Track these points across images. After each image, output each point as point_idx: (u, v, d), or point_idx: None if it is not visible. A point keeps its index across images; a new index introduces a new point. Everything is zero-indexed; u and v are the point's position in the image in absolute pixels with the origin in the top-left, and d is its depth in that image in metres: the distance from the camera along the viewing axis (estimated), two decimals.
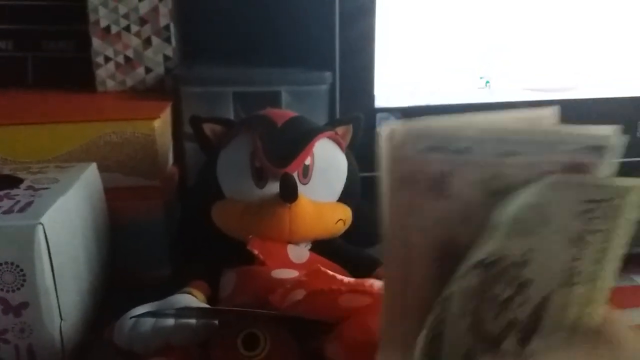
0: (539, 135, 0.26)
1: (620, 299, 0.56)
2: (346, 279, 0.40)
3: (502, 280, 0.28)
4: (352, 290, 0.38)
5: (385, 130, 0.26)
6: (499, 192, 0.26)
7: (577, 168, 0.27)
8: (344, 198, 0.49)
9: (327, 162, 0.49)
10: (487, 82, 0.66)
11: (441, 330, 0.28)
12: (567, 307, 0.29)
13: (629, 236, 0.28)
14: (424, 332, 0.28)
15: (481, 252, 0.26)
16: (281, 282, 0.41)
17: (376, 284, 0.39)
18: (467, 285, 0.27)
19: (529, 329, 0.30)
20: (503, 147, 0.26)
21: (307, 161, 0.47)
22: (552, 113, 0.30)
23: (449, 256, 0.27)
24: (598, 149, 0.27)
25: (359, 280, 0.40)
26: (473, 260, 0.26)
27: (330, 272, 0.41)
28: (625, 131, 0.76)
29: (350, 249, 0.51)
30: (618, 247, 0.28)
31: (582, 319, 0.30)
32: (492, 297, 0.28)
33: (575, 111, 0.67)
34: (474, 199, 0.26)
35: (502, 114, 0.28)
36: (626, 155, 0.76)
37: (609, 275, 0.29)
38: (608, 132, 0.26)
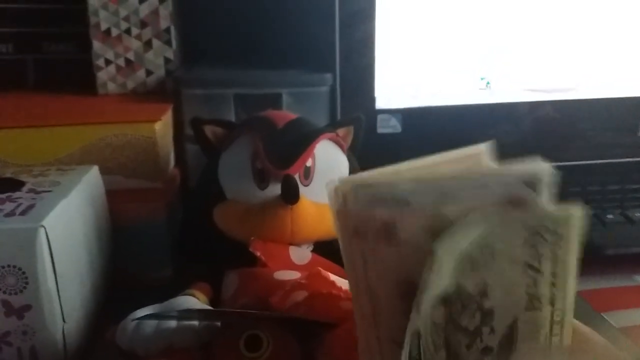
0: (474, 179, 0.27)
1: (622, 299, 0.56)
2: (345, 287, 0.40)
3: (466, 312, 0.29)
4: (350, 298, 0.38)
5: (330, 187, 0.28)
6: (444, 233, 0.27)
7: (516, 203, 0.28)
8: None
9: (329, 164, 0.49)
10: (488, 83, 0.66)
11: None
12: (535, 330, 0.30)
13: (577, 259, 0.29)
14: None
15: (432, 296, 0.27)
16: (283, 283, 0.41)
17: None
18: (433, 318, 0.28)
19: (503, 355, 0.30)
20: (440, 194, 0.27)
21: (309, 163, 0.47)
22: (486, 150, 0.31)
23: (411, 294, 0.28)
24: (533, 185, 0.28)
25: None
26: (426, 304, 0.27)
27: (331, 277, 0.41)
28: (626, 131, 0.77)
29: None
30: (569, 270, 0.29)
31: (553, 339, 0.30)
32: (461, 328, 0.29)
33: (576, 112, 0.68)
34: (421, 243, 0.27)
35: (438, 158, 0.30)
36: (628, 156, 0.76)
37: (567, 295, 0.30)
38: (541, 168, 0.28)
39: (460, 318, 0.29)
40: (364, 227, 0.27)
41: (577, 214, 0.28)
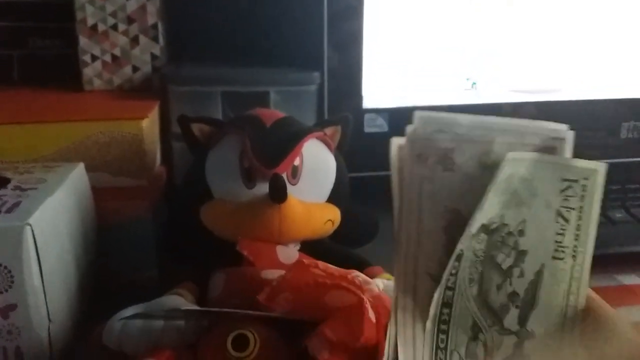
0: (516, 124, 0.33)
1: (603, 298, 0.57)
2: (329, 267, 0.40)
3: (503, 249, 0.33)
4: (337, 285, 0.38)
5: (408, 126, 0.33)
6: (491, 166, 0.32)
7: (547, 150, 0.33)
8: (332, 199, 0.49)
9: (316, 163, 0.49)
10: (474, 83, 0.67)
11: (452, 297, 0.33)
12: (556, 284, 0.34)
13: (597, 216, 0.34)
14: (436, 296, 0.32)
15: (483, 217, 0.32)
16: (270, 281, 0.42)
17: (359, 276, 0.40)
18: (474, 247, 0.33)
19: (527, 305, 0.34)
20: (490, 130, 0.32)
21: (297, 162, 0.47)
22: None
23: (455, 226, 0.33)
24: (558, 140, 0.33)
25: (342, 272, 0.40)
26: (477, 224, 0.32)
27: (313, 262, 0.41)
28: (609, 133, 0.78)
29: (338, 250, 0.51)
30: (591, 226, 0.34)
31: (570, 297, 0.35)
32: (496, 265, 0.34)
33: (560, 113, 0.68)
34: (472, 172, 0.32)
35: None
36: (611, 157, 0.78)
37: (587, 252, 0.35)
38: (563, 127, 0.33)
39: (497, 254, 0.33)
40: (427, 153, 0.32)
41: (601, 168, 0.33)
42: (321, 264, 0.41)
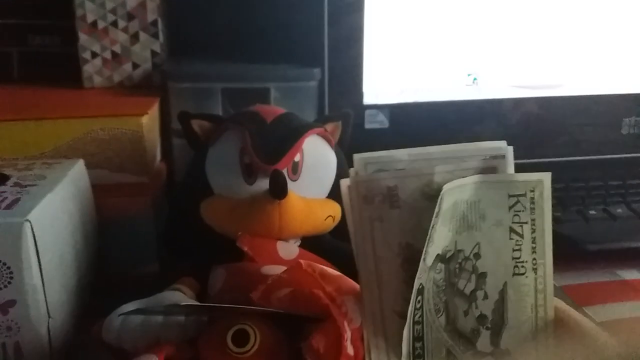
0: (455, 150, 0.34)
1: (604, 293, 0.57)
2: (326, 277, 0.40)
3: (462, 274, 0.34)
4: (326, 305, 0.38)
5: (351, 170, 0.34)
6: (435, 196, 0.32)
7: (489, 170, 0.34)
8: (333, 194, 0.49)
9: (317, 159, 0.49)
10: (475, 79, 0.67)
11: (422, 330, 0.33)
12: (522, 299, 0.35)
13: (550, 225, 0.35)
14: (405, 332, 0.32)
15: (436, 249, 0.32)
16: (265, 278, 0.41)
17: (348, 304, 0.38)
18: (434, 278, 0.33)
19: (497, 324, 0.35)
20: (430, 162, 0.33)
21: (297, 158, 0.47)
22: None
23: (411, 261, 0.33)
24: (498, 158, 0.34)
25: (336, 288, 0.39)
26: (430, 256, 0.32)
27: (311, 268, 0.40)
28: (610, 128, 0.78)
29: (339, 245, 0.51)
30: (546, 236, 0.35)
31: (538, 310, 0.35)
32: (458, 292, 0.34)
33: (562, 108, 0.68)
34: (418, 205, 0.33)
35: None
36: (610, 152, 0.77)
37: (547, 263, 0.35)
38: (502, 144, 0.34)
39: (458, 280, 0.34)
40: (371, 193, 0.33)
41: (546, 178, 0.34)
42: (319, 270, 0.40)
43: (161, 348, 0.38)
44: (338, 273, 0.42)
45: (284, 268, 0.42)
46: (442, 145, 0.34)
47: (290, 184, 0.46)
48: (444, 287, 0.33)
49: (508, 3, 0.64)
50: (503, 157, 0.34)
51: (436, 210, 0.31)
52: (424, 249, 0.31)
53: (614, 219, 0.64)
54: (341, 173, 0.50)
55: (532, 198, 0.34)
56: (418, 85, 0.65)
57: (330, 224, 0.50)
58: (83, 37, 0.64)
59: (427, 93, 0.66)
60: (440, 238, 0.32)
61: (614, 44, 0.68)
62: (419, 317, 0.33)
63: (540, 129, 0.69)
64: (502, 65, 0.66)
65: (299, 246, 0.48)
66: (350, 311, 0.38)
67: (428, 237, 0.31)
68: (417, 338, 0.33)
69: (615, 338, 0.33)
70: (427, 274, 0.32)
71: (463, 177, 0.33)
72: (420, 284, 0.32)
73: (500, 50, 0.66)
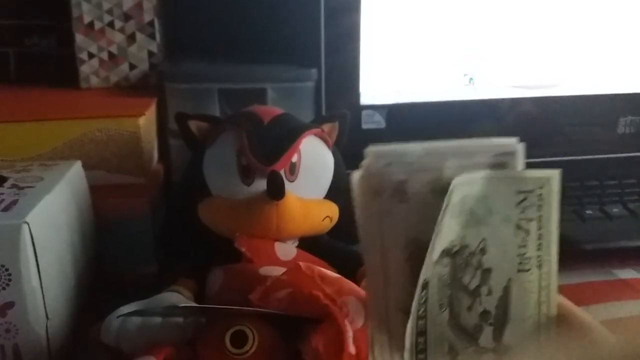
0: (465, 146, 0.34)
1: (600, 293, 0.57)
2: (326, 279, 0.40)
3: (468, 270, 0.34)
4: (326, 306, 0.38)
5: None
6: (443, 191, 0.32)
7: (499, 166, 0.34)
8: (330, 195, 0.50)
9: (314, 160, 0.49)
10: (471, 79, 0.67)
11: (425, 325, 0.33)
12: (526, 295, 0.35)
13: (558, 223, 0.34)
14: (409, 327, 0.32)
15: (442, 243, 0.32)
16: (265, 279, 0.42)
17: (350, 304, 0.39)
18: (439, 273, 0.33)
19: (500, 321, 0.35)
20: (440, 157, 0.33)
21: (294, 158, 0.47)
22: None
23: (417, 257, 0.32)
24: (508, 154, 0.34)
25: (337, 289, 0.39)
26: (437, 250, 0.32)
27: (310, 269, 0.41)
28: (606, 128, 0.78)
29: (337, 246, 0.51)
30: (552, 233, 0.34)
31: (541, 307, 0.35)
32: (463, 287, 0.34)
33: (558, 108, 0.69)
34: (426, 200, 0.33)
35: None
36: (607, 152, 0.77)
37: (552, 260, 0.35)
38: (512, 141, 0.34)
39: (463, 275, 0.33)
40: (381, 187, 0.32)
41: (555, 175, 0.34)
42: (317, 272, 0.40)
43: (160, 349, 0.38)
44: (337, 275, 0.42)
45: (282, 269, 0.42)
46: (453, 141, 0.33)
47: (288, 185, 0.46)
48: (448, 282, 0.33)
49: (504, 3, 0.64)
50: (513, 153, 0.34)
51: (445, 203, 0.31)
52: (431, 243, 0.32)
53: (610, 219, 0.64)
54: (338, 173, 0.51)
55: (540, 195, 0.34)
56: (414, 85, 0.65)
57: (328, 225, 0.50)
58: (80, 38, 0.64)
59: (423, 93, 0.66)
60: (447, 232, 0.33)
61: (609, 43, 0.68)
62: (423, 312, 0.33)
63: (536, 129, 0.69)
64: (498, 65, 0.67)
65: (297, 247, 0.48)
66: (352, 312, 0.38)
67: (435, 230, 0.31)
68: (420, 333, 0.33)
69: (619, 337, 0.33)
70: (432, 269, 0.32)
71: (472, 172, 0.33)
72: (425, 279, 0.32)
73: (496, 50, 0.66)
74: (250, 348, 0.37)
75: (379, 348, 0.34)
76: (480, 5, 0.64)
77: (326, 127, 0.52)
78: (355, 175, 0.33)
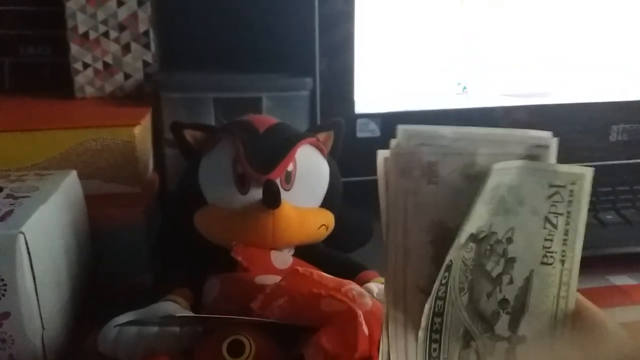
0: (500, 134, 0.34)
1: (594, 299, 0.57)
2: (324, 278, 0.40)
3: (492, 257, 0.34)
4: (331, 296, 0.38)
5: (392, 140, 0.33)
6: (475, 177, 0.32)
7: (531, 158, 0.33)
8: (326, 203, 0.50)
9: (309, 168, 0.49)
10: (464, 87, 0.67)
11: (443, 306, 0.33)
12: (546, 289, 0.35)
13: (585, 220, 0.35)
14: (427, 306, 0.32)
15: (471, 227, 0.32)
16: (263, 288, 0.42)
17: (354, 289, 0.40)
18: (463, 256, 0.33)
19: (517, 311, 0.35)
20: (473, 143, 0.33)
21: (290, 167, 0.47)
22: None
23: (441, 239, 0.33)
24: (542, 147, 0.34)
25: (337, 283, 0.40)
26: (466, 234, 0.32)
27: (308, 272, 0.41)
28: (599, 135, 0.78)
29: (332, 254, 0.51)
30: (579, 230, 0.35)
31: (560, 301, 0.35)
32: (485, 273, 0.34)
33: (551, 116, 0.69)
34: (456, 184, 0.33)
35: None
36: (600, 160, 0.78)
37: (575, 256, 0.35)
38: (547, 135, 0.34)
39: (487, 262, 0.34)
40: (411, 166, 0.33)
41: (588, 173, 0.34)
42: (316, 273, 0.41)
43: (156, 359, 0.38)
44: (335, 277, 0.42)
45: (278, 278, 0.42)
46: (488, 128, 0.33)
47: (284, 194, 0.46)
48: (471, 267, 0.34)
49: (496, 13, 0.65)
50: (547, 147, 0.34)
51: (480, 189, 0.32)
52: (461, 227, 0.32)
53: (604, 225, 0.64)
54: (334, 182, 0.51)
55: (572, 191, 0.34)
56: (409, 94, 0.66)
57: (324, 233, 0.50)
58: (74, 48, 0.64)
59: (417, 102, 0.66)
60: (477, 217, 0.33)
61: (601, 52, 0.69)
62: (442, 293, 0.33)
63: None
64: (492, 74, 0.67)
65: (293, 255, 0.48)
66: (357, 296, 0.38)
67: (468, 214, 0.32)
68: (438, 313, 0.33)
69: (635, 339, 0.33)
70: (458, 251, 0.33)
71: (507, 160, 0.33)
72: (450, 260, 0.32)
73: (490, 59, 0.66)
74: (247, 357, 0.37)
75: (393, 324, 0.34)
76: (474, 15, 0.65)
77: (321, 135, 0.52)
78: (382, 154, 0.34)
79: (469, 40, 0.65)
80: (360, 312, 0.37)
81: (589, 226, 0.67)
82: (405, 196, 0.33)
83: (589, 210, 0.69)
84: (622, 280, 0.59)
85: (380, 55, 0.64)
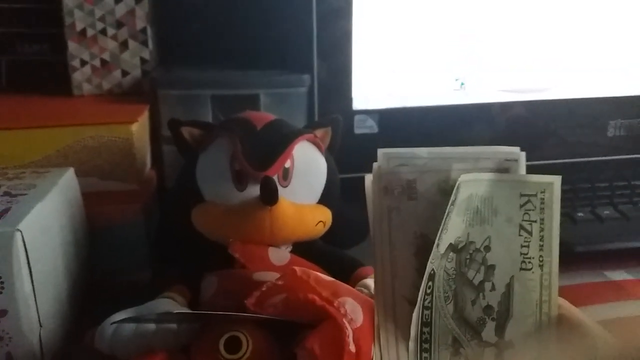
0: (471, 152, 0.37)
1: (592, 294, 0.57)
2: (321, 283, 0.40)
3: (472, 265, 0.36)
4: (323, 307, 0.38)
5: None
6: (450, 191, 0.34)
7: (502, 172, 0.36)
8: (323, 200, 0.50)
9: (307, 165, 0.49)
10: (462, 83, 0.67)
11: (430, 316, 0.35)
12: (528, 293, 0.37)
13: (558, 225, 0.37)
14: (414, 317, 0.34)
15: (449, 237, 0.35)
16: (260, 285, 0.42)
17: (347, 303, 0.39)
18: (445, 266, 0.35)
19: (502, 316, 0.36)
20: (448, 160, 0.36)
21: (287, 164, 0.47)
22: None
23: (424, 251, 0.35)
24: (511, 161, 0.37)
25: (333, 291, 0.39)
26: (444, 243, 0.34)
27: (306, 274, 0.41)
28: (596, 131, 0.78)
29: (330, 251, 0.51)
30: (553, 235, 0.37)
31: (542, 305, 0.37)
32: (467, 281, 0.36)
33: (549, 112, 0.69)
34: (434, 198, 0.36)
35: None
36: (597, 155, 0.78)
37: (553, 261, 0.37)
38: (515, 149, 0.37)
39: (468, 270, 0.36)
40: (392, 185, 0.36)
41: (556, 181, 0.36)
42: (313, 277, 0.40)
43: (154, 356, 0.38)
44: (332, 279, 0.42)
45: (276, 274, 0.42)
46: (461, 147, 0.36)
47: (281, 190, 0.46)
48: (454, 276, 0.36)
49: (495, 8, 0.65)
50: (516, 160, 0.37)
51: (452, 198, 0.34)
52: (438, 236, 0.34)
53: (601, 221, 0.64)
54: (331, 178, 0.51)
55: (543, 199, 0.36)
56: (406, 90, 0.66)
57: (321, 230, 0.50)
58: (72, 45, 0.64)
59: (415, 98, 0.66)
60: (453, 228, 0.35)
61: (599, 47, 0.69)
62: (429, 303, 0.35)
63: (527, 133, 0.69)
64: (489, 69, 0.67)
65: (291, 252, 0.48)
66: (350, 312, 0.38)
67: (442, 224, 0.34)
68: (426, 323, 0.35)
69: (617, 338, 0.34)
70: (439, 261, 0.35)
71: (478, 173, 0.36)
72: (432, 269, 0.34)
73: (487, 55, 0.66)
74: (245, 354, 0.37)
75: (384, 337, 0.36)
76: (472, 11, 0.65)
77: (319, 132, 0.52)
78: (368, 177, 0.37)
79: (467, 36, 0.65)
80: (349, 330, 0.36)
81: (587, 222, 0.68)
82: (389, 212, 0.36)
83: (586, 205, 0.70)
84: (619, 275, 0.59)
85: (378, 52, 0.64)
